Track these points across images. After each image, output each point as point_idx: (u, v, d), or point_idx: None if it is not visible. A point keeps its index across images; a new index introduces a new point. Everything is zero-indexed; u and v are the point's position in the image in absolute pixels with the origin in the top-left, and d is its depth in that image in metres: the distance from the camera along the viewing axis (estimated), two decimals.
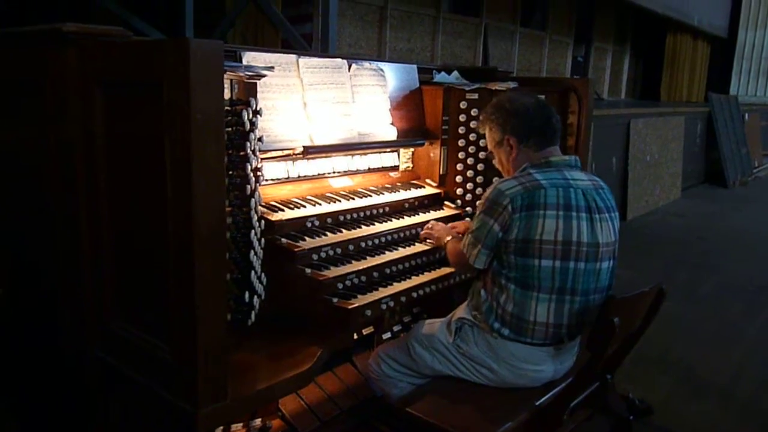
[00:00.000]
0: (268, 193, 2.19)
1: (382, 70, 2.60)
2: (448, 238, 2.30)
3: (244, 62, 2.04)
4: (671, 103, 11.19)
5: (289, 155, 2.22)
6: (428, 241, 2.39)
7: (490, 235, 1.99)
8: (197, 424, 1.50)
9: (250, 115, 1.70)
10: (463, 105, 2.72)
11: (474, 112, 2.71)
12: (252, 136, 1.71)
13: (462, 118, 2.73)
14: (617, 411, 2.34)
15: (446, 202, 2.74)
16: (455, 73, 2.90)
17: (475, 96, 2.71)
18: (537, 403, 1.94)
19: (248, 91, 1.78)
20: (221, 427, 2.24)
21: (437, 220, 2.56)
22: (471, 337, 2.06)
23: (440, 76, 2.87)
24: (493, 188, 2.03)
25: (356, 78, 2.49)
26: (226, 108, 1.65)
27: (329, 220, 2.26)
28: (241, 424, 2.28)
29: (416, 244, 2.39)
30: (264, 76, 1.82)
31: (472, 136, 2.73)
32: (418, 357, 2.14)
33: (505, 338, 1.99)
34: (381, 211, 2.47)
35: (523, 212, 1.93)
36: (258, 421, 2.31)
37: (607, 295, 2.02)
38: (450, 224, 2.48)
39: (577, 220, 1.95)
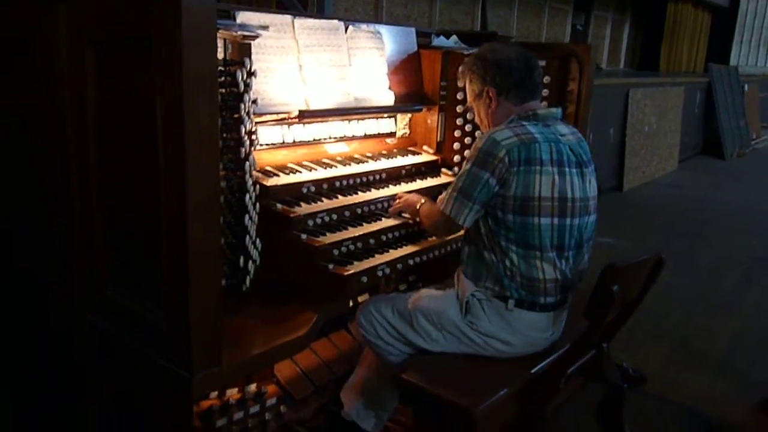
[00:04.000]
0: (263, 158, 2.15)
1: (379, 32, 2.54)
2: (422, 201, 2.21)
3: (238, 22, 1.98)
4: (671, 73, 11.10)
5: (284, 119, 2.18)
6: (404, 214, 2.27)
7: (485, 189, 1.89)
8: (192, 388, 1.49)
9: (245, 76, 1.66)
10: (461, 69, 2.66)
11: None
12: (246, 97, 1.67)
13: (460, 83, 2.67)
14: (612, 379, 2.34)
15: (443, 169, 2.70)
16: (454, 38, 2.84)
17: None
18: (533, 371, 1.94)
19: (242, 51, 1.74)
20: (216, 393, 2.25)
21: (434, 187, 2.53)
22: (482, 313, 1.96)
23: (439, 40, 2.81)
24: (486, 138, 1.91)
25: (353, 41, 2.43)
26: (220, 68, 1.60)
27: (325, 185, 2.23)
28: (236, 390, 2.28)
29: None
30: (258, 35, 1.77)
31: None
32: (422, 330, 2.02)
33: (521, 306, 1.94)
34: (378, 177, 2.43)
35: (521, 167, 1.85)
36: (253, 387, 2.31)
37: (589, 246, 2.03)
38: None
39: (569, 176, 1.92)
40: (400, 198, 2.30)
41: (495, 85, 2.02)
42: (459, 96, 2.69)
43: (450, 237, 2.25)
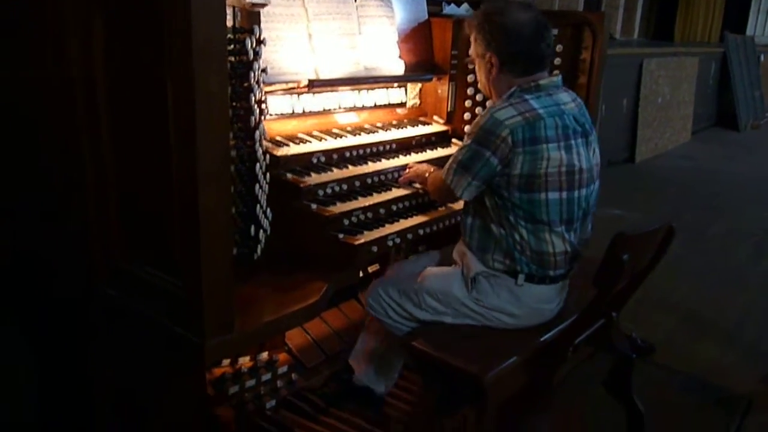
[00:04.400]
0: (272, 128, 2.15)
1: (389, 0, 2.51)
2: (431, 170, 2.19)
3: None
4: (686, 43, 10.90)
5: (293, 89, 2.17)
6: (414, 184, 2.26)
7: (487, 167, 1.85)
8: (204, 355, 1.52)
9: (254, 44, 1.65)
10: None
11: None
12: (255, 65, 1.66)
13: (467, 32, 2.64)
14: (620, 349, 2.35)
15: (453, 140, 2.69)
16: (465, 5, 2.80)
17: None
18: (542, 339, 1.95)
19: (251, 18, 1.72)
20: (228, 361, 2.28)
21: (444, 157, 2.51)
22: (490, 289, 1.96)
23: (450, 8, 2.78)
24: (487, 116, 1.85)
25: (363, 9, 2.40)
26: (229, 36, 1.59)
27: (335, 156, 2.22)
28: (248, 358, 2.32)
29: None
30: (268, 3, 1.76)
31: None
32: (429, 308, 2.02)
33: (531, 280, 1.93)
34: (388, 147, 2.43)
35: (527, 147, 1.81)
36: (265, 355, 2.34)
37: (592, 213, 2.03)
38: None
39: (575, 148, 1.89)
40: (410, 168, 2.30)
41: (498, 54, 1.93)
42: (470, 65, 2.65)
43: (456, 206, 2.24)
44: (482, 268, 1.97)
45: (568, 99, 1.96)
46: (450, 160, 1.98)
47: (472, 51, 2.07)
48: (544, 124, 1.84)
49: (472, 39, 2.05)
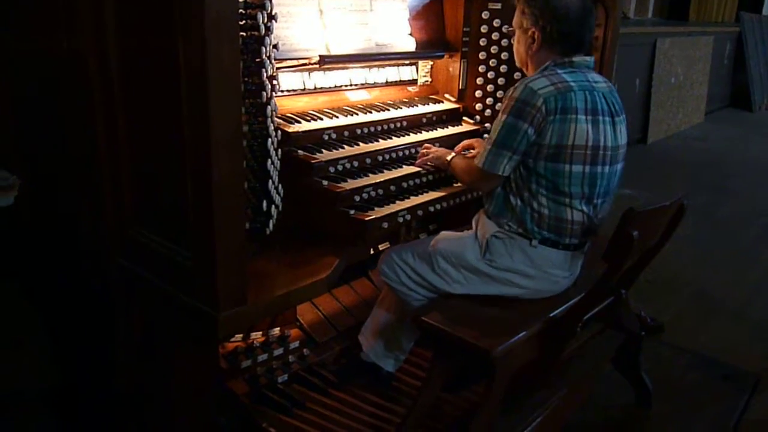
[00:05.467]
0: (284, 104, 2.15)
1: None
2: (450, 156, 2.20)
3: None
4: (701, 23, 10.74)
5: (305, 65, 2.17)
6: (428, 164, 2.26)
7: (524, 139, 1.88)
8: (218, 326, 1.53)
9: (265, 19, 1.64)
10: (485, 15, 2.61)
11: (496, 23, 2.61)
12: (267, 41, 1.66)
13: (484, 29, 2.63)
14: (629, 326, 2.37)
15: (465, 118, 2.69)
16: None
17: (498, 6, 2.60)
18: (551, 315, 1.96)
19: None
20: (241, 336, 2.32)
21: (455, 135, 2.52)
22: (504, 250, 1.99)
23: None
24: (522, 87, 1.89)
25: None
26: (240, 11, 1.59)
27: (346, 133, 2.23)
28: (260, 333, 2.35)
29: None
30: None
31: (493, 49, 2.64)
32: (443, 272, 2.05)
33: (545, 243, 1.96)
34: (398, 125, 2.43)
35: (558, 115, 1.85)
36: (277, 330, 2.38)
37: (613, 194, 2.05)
38: (460, 145, 2.41)
39: (603, 125, 1.92)
40: (427, 150, 2.29)
41: (543, 31, 1.97)
42: (482, 42, 2.65)
43: (481, 188, 2.19)
44: (496, 229, 2.00)
45: (599, 79, 2.01)
46: (484, 144, 1.99)
47: (515, 21, 2.08)
48: (574, 95, 1.88)
49: (518, 10, 2.07)
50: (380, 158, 2.23)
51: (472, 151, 2.38)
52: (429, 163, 2.27)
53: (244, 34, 1.63)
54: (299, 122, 2.13)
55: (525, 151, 1.91)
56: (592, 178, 1.93)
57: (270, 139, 1.74)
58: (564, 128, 1.87)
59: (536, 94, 1.86)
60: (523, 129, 1.88)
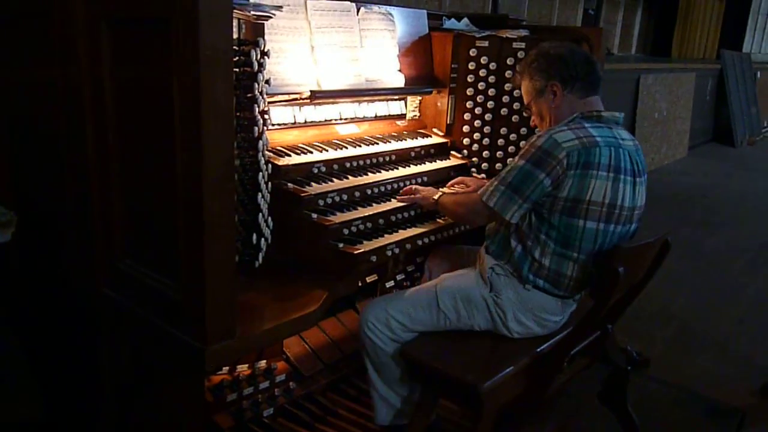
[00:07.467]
0: (274, 138, 2.17)
1: (391, 14, 2.55)
2: (438, 195, 2.19)
3: (252, 2, 1.99)
4: (683, 59, 11.00)
5: (295, 100, 2.20)
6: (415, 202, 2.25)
7: (539, 188, 1.86)
8: (206, 360, 1.53)
9: (258, 56, 1.68)
10: (472, 52, 2.67)
11: (484, 60, 2.67)
12: (260, 77, 1.69)
13: (471, 66, 2.69)
14: (616, 361, 2.38)
15: (452, 152, 2.73)
16: (465, 20, 2.84)
17: (486, 43, 2.67)
18: (538, 350, 1.97)
19: (256, 31, 1.75)
20: (227, 369, 2.30)
21: (443, 169, 2.56)
22: (501, 287, 1.99)
23: (450, 23, 2.82)
24: (546, 137, 1.87)
25: (365, 22, 2.44)
26: (234, 48, 1.62)
27: (336, 166, 2.25)
28: (246, 365, 2.33)
29: None
30: (272, 16, 1.79)
31: (481, 85, 2.70)
32: (446, 308, 2.01)
33: (539, 289, 1.95)
34: (387, 159, 2.46)
35: (579, 170, 1.83)
36: (263, 363, 2.36)
37: None
38: (453, 181, 2.45)
39: (623, 183, 1.90)
40: (414, 189, 2.27)
41: (560, 79, 1.99)
42: (470, 78, 2.70)
43: (476, 224, 2.23)
44: (494, 262, 2.01)
45: (627, 137, 1.99)
46: (492, 182, 1.97)
47: (527, 93, 2.11)
48: (599, 151, 1.86)
49: (525, 82, 2.10)
50: (369, 191, 2.25)
51: (463, 186, 2.41)
52: (416, 205, 2.25)
53: (237, 70, 1.66)
54: (289, 155, 2.15)
55: (536, 200, 1.89)
56: (604, 236, 1.90)
57: (261, 173, 1.76)
58: (583, 183, 1.84)
59: (560, 146, 1.84)
60: (539, 178, 1.85)
